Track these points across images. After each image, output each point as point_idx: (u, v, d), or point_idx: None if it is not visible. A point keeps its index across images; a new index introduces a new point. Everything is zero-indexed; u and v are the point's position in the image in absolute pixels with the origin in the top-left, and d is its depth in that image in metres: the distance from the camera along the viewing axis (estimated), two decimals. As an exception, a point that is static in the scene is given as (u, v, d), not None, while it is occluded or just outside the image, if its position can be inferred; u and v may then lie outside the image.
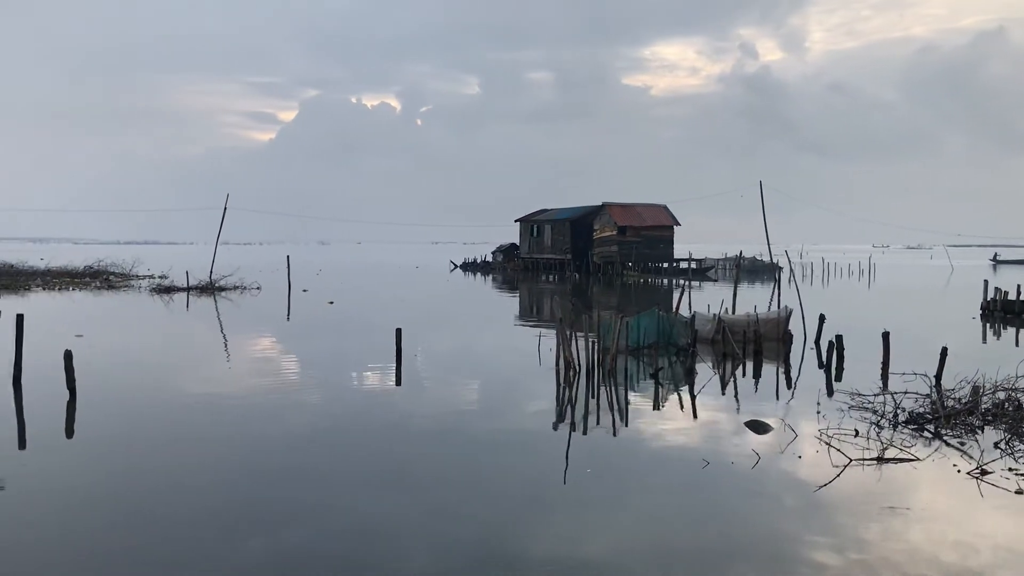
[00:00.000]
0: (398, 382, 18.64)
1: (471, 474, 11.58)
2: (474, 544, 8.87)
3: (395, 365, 19.88)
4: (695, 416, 15.36)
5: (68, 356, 16.06)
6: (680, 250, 77.75)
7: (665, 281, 64.32)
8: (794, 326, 24.99)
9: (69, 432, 13.97)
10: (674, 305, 24.53)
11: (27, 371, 17.00)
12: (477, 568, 8.25)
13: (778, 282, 34.80)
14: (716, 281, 63.98)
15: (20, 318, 16.89)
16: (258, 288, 49.99)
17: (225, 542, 8.89)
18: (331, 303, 40.92)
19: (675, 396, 17.17)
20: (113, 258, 68.14)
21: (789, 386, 18.60)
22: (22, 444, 13.19)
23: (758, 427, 13.96)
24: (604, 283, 61.26)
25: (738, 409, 15.86)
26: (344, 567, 8.25)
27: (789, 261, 35.58)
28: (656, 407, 16.16)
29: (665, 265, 74.63)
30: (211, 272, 52.04)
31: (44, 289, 49.82)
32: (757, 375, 19.98)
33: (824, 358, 21.02)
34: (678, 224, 76.42)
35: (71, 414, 14.93)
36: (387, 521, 9.58)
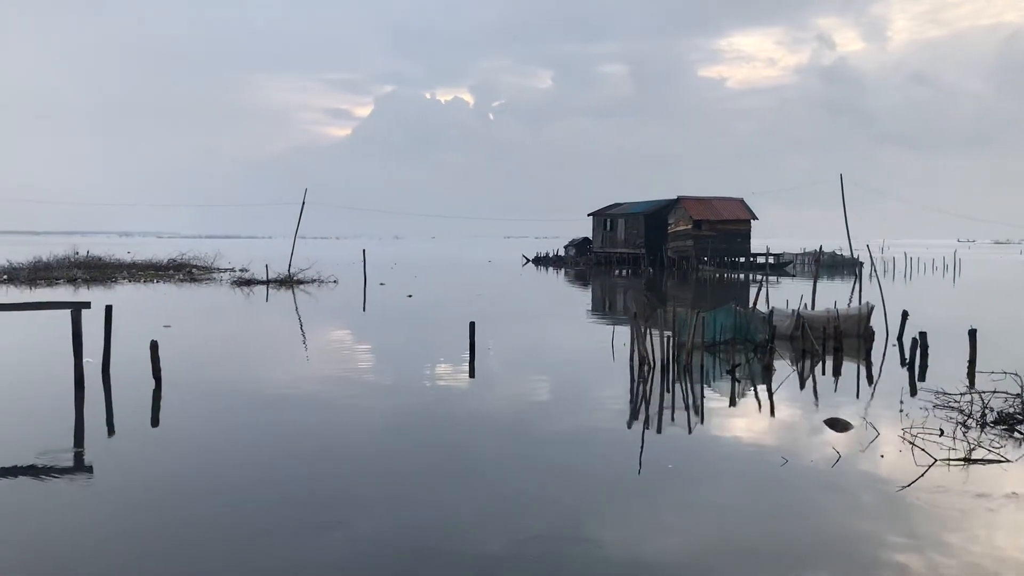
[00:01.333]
0: (471, 374, 18.76)
1: (544, 468, 11.55)
2: (547, 537, 8.85)
3: (468, 358, 20.02)
4: (772, 413, 15.09)
5: (154, 346, 16.57)
6: (757, 244, 76.52)
7: (741, 276, 63.34)
8: (876, 323, 24.35)
9: (155, 421, 14.41)
10: (751, 300, 24.13)
11: (115, 361, 17.56)
12: (551, 560, 8.25)
13: (859, 277, 33.83)
14: (794, 276, 62.77)
15: (109, 309, 17.46)
16: (335, 281, 50.84)
17: (303, 530, 9.04)
18: (409, 296, 41.41)
19: (752, 393, 16.90)
20: (195, 251, 70.06)
21: (870, 384, 18.12)
22: (111, 431, 13.65)
23: (838, 425, 13.64)
24: (678, 278, 60.63)
25: (817, 406, 15.52)
26: (419, 557, 8.32)
27: (870, 256, 34.63)
28: (732, 404, 15.93)
29: (742, 260, 73.47)
30: (290, 265, 53.17)
31: (130, 281, 51.53)
32: (837, 372, 19.52)
33: (907, 356, 20.42)
34: (755, 218, 75.15)
35: (157, 403, 15.40)
36: (461, 512, 9.65)
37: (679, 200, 73.95)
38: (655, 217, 76.40)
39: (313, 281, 50.70)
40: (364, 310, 35.93)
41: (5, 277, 49.86)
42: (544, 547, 8.57)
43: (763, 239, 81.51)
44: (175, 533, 8.92)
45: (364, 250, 60.62)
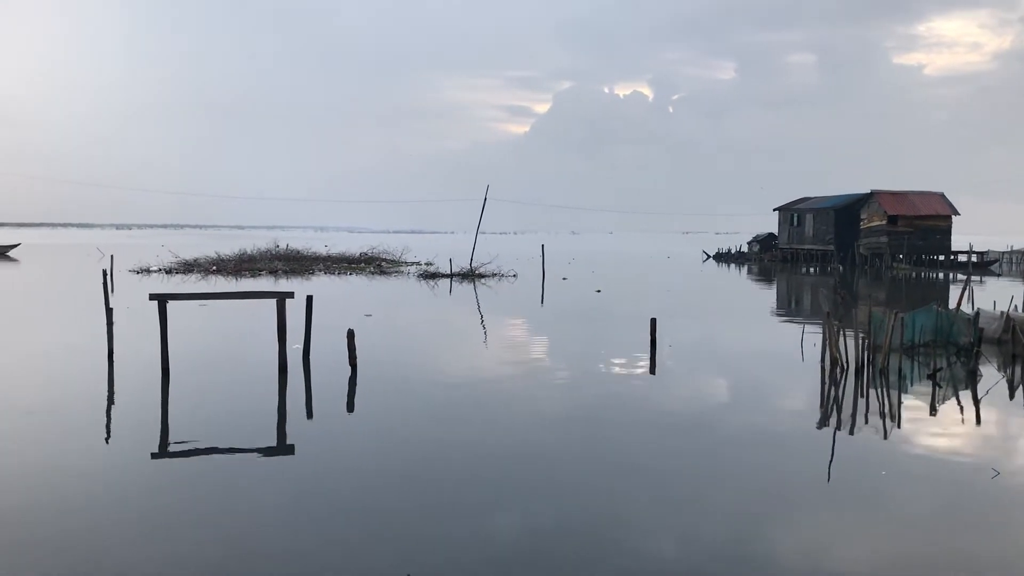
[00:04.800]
0: (651, 371, 18.58)
1: (725, 468, 11.29)
2: (722, 539, 8.68)
3: (649, 354, 19.84)
4: (979, 422, 14.09)
5: (351, 335, 17.40)
6: (958, 241, 71.56)
7: (940, 275, 59.48)
8: (1099, 327, 22.22)
9: (350, 406, 15.14)
10: (955, 301, 22.63)
11: (315, 348, 18.57)
12: (724, 563, 8.07)
13: (1078, 278, 30.93)
14: (1000, 276, 58.30)
15: (309, 299, 18.49)
16: (515, 275, 51.61)
17: (478, 515, 9.31)
18: (599, 291, 41.38)
19: (955, 399, 15.85)
20: (384, 246, 73.06)
21: (1093, 394, 16.58)
22: (309, 415, 14.46)
23: (1056, 438, 12.56)
24: (871, 276, 57.68)
25: (1030, 417, 14.38)
26: (590, 549, 8.34)
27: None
28: (933, 410, 15.00)
29: (940, 258, 68.97)
30: (471, 259, 54.44)
31: (325, 273, 54.35)
32: (1053, 380, 17.98)
33: None
34: (957, 213, 70.35)
35: (352, 389, 16.18)
36: (635, 508, 9.61)
37: (872, 194, 70.30)
38: (846, 212, 72.97)
39: (494, 275, 51.65)
40: (542, 304, 36.29)
41: (214, 268, 53.76)
42: (720, 551, 8.38)
43: (964, 236, 76.30)
44: (361, 510, 9.40)
45: (543, 245, 61.24)
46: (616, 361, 19.98)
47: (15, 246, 78.22)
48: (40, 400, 15.09)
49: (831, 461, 11.57)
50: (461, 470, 11.07)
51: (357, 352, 17.40)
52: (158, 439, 12.69)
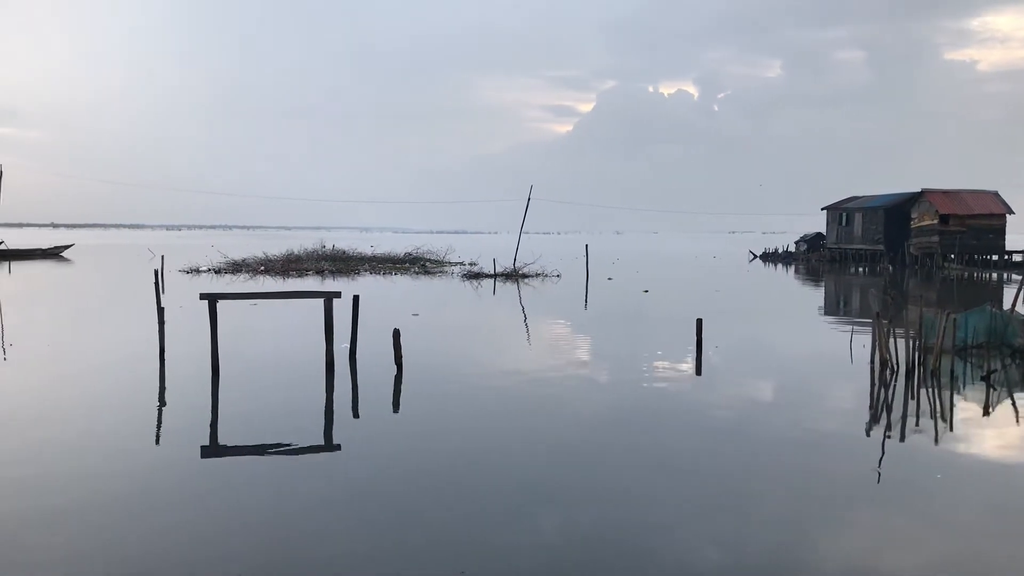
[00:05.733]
0: (698, 372, 18.47)
1: (773, 471, 11.16)
2: (769, 544, 8.58)
3: (695, 355, 19.71)
4: (1034, 426, 13.79)
5: (396, 334, 17.54)
6: (1013, 241, 70.00)
7: (994, 275, 58.24)
8: None
9: (395, 405, 15.25)
10: (1010, 302, 22.14)
11: (361, 347, 18.74)
12: (771, 568, 7.98)
13: None
14: (1057, 276, 56.91)
15: (356, 299, 18.66)
16: (558, 276, 51.57)
17: (523, 517, 9.30)
18: (646, 292, 41.16)
19: (1009, 401, 15.52)
20: (428, 246, 73.47)
21: None
22: (356, 414, 14.59)
23: (1116, 443, 12.24)
24: (921, 276, 56.70)
25: (1089, 421, 14.02)
26: (631, 553, 8.29)
27: None
28: (987, 413, 14.70)
29: (994, 258, 67.55)
30: (515, 260, 54.48)
31: (371, 273, 54.80)
32: (1113, 383, 17.52)
33: None
34: (1011, 212, 68.83)
35: (398, 388, 16.29)
36: (681, 511, 9.53)
37: (923, 193, 69.08)
38: (896, 211, 71.83)
39: (537, 275, 51.65)
40: (586, 305, 36.19)
41: (262, 268, 54.48)
42: (767, 556, 8.29)
43: (1020, 235, 74.63)
44: (407, 509, 9.42)
45: (587, 245, 61.13)
46: (661, 362, 19.87)
47: (68, 247, 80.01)
48: (92, 398, 15.45)
49: (881, 464, 11.41)
50: (506, 470, 11.09)
51: (403, 352, 17.53)
52: (208, 437, 12.91)
